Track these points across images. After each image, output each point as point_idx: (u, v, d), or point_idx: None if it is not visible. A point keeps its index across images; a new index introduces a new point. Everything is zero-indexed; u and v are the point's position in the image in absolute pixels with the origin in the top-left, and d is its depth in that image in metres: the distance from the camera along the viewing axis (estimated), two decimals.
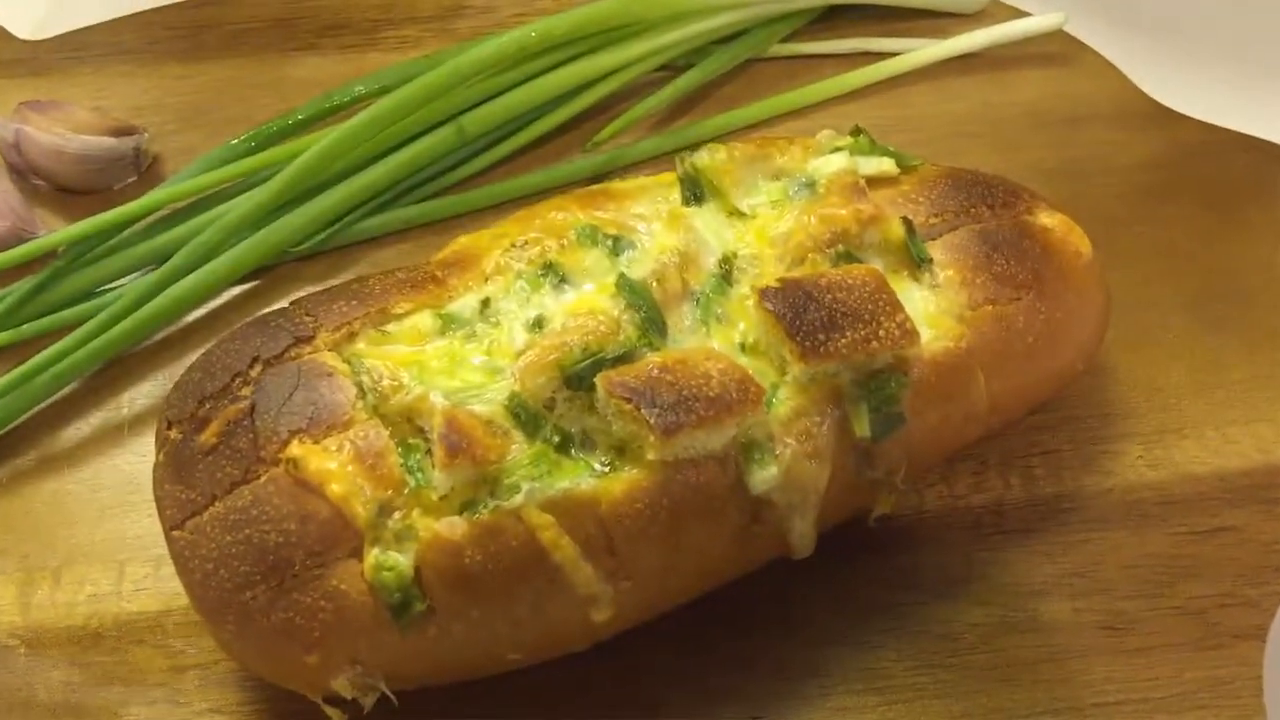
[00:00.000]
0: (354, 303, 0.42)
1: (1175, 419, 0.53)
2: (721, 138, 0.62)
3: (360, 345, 0.41)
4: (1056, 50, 0.69)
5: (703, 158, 0.45)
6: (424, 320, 0.41)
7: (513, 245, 0.43)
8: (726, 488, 0.40)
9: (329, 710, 0.40)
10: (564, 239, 0.43)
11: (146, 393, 0.54)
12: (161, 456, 0.41)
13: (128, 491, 0.51)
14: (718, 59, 0.64)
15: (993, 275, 0.44)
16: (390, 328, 0.41)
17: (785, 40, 0.68)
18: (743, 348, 0.42)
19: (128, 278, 0.56)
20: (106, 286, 0.56)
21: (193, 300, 0.54)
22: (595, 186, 0.47)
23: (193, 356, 0.54)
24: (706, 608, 0.45)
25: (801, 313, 0.40)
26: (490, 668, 0.41)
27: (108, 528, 0.50)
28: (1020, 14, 0.69)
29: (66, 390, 0.53)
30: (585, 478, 0.38)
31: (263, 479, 0.38)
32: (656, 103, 0.62)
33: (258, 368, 0.40)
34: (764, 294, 0.41)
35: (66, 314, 0.54)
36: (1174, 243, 0.60)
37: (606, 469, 0.39)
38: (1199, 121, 0.65)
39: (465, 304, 0.42)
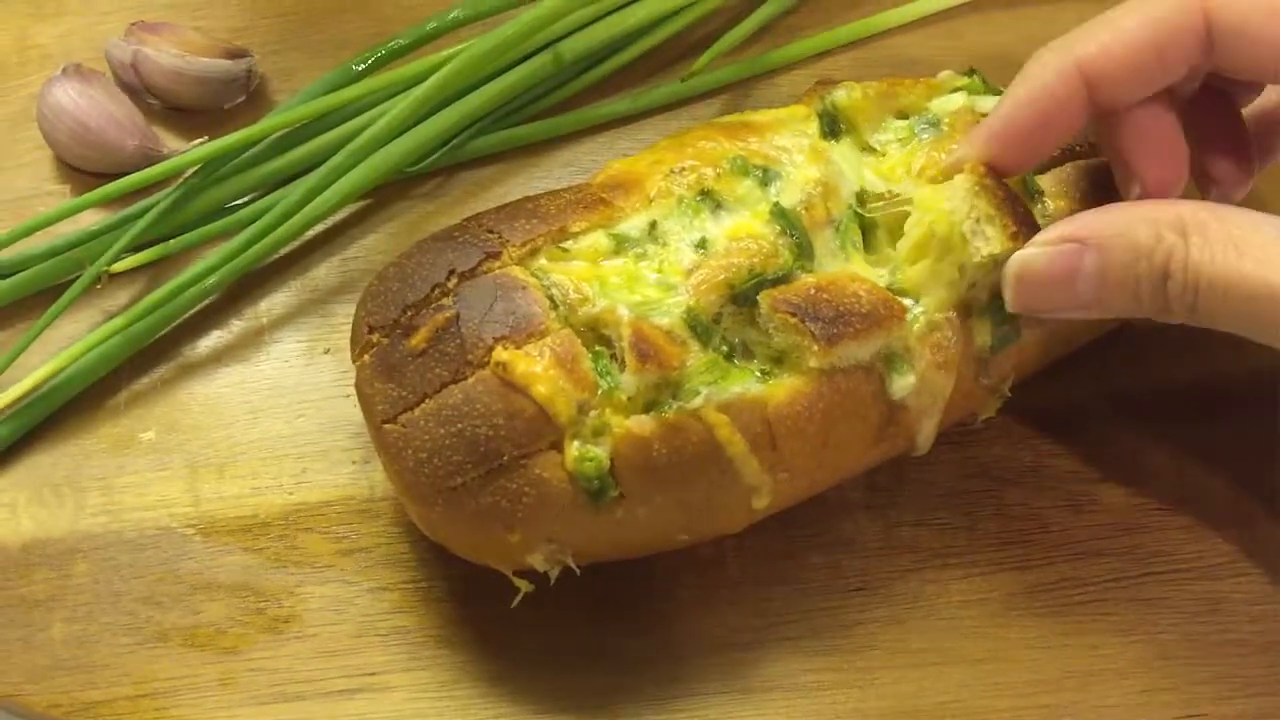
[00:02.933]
0: (535, 221, 0.46)
1: None
2: (788, 67, 0.67)
3: (542, 261, 0.45)
4: None
5: (841, 96, 0.50)
6: (599, 239, 0.46)
7: (672, 171, 0.47)
8: (870, 393, 0.45)
9: (518, 582, 0.46)
10: (718, 168, 0.47)
11: (281, 302, 0.58)
12: (367, 358, 0.46)
13: (276, 394, 0.55)
14: None
15: (1094, 206, 0.49)
16: (568, 245, 0.46)
17: None
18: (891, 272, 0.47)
19: (249, 195, 0.60)
20: (233, 203, 0.60)
21: (323, 215, 0.58)
22: (733, 117, 0.52)
23: (317, 268, 0.60)
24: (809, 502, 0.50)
25: None
26: (661, 546, 0.46)
27: (262, 427, 0.54)
28: None
29: (206, 301, 0.57)
30: (752, 383, 0.44)
31: (471, 380, 0.43)
32: (742, 32, 0.66)
33: (454, 280, 0.45)
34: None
35: (203, 230, 0.58)
36: None
37: (767, 376, 0.44)
38: None
39: (634, 225, 0.46)
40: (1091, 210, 0.45)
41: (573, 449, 0.43)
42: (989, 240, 0.45)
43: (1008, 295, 0.45)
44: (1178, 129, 0.47)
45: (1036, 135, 0.46)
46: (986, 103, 0.51)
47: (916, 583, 0.51)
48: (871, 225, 0.48)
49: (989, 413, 0.51)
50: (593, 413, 0.43)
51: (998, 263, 0.46)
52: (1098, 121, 0.47)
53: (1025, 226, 0.45)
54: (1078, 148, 0.51)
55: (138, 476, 0.53)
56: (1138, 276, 0.42)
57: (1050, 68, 0.45)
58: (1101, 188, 0.50)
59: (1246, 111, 0.51)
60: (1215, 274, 0.41)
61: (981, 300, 0.47)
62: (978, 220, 0.45)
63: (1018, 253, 0.45)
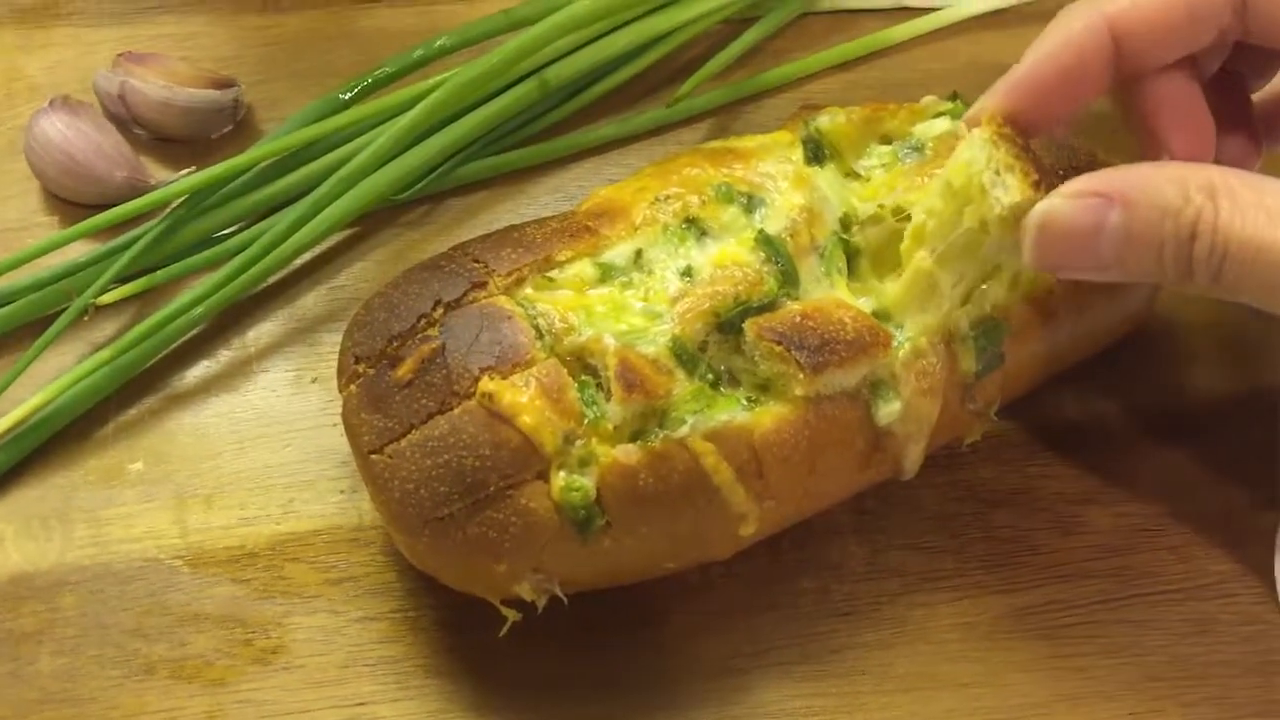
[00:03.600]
0: (520, 250, 0.46)
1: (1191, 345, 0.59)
2: (774, 90, 0.68)
3: (528, 290, 0.45)
4: None
5: (824, 121, 0.50)
6: (585, 268, 0.46)
7: (657, 199, 0.47)
8: (856, 420, 0.46)
9: (506, 611, 0.46)
10: (703, 195, 0.47)
11: (268, 332, 0.58)
12: (354, 389, 0.46)
13: (264, 424, 0.55)
14: (778, 13, 0.69)
15: None
16: (554, 274, 0.46)
17: None
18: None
19: (236, 225, 0.60)
20: (221, 233, 0.60)
21: (310, 244, 0.58)
22: (718, 143, 0.52)
23: (304, 297, 0.60)
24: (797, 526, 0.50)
25: None
26: (647, 574, 0.47)
27: (250, 457, 0.54)
28: None
29: (194, 331, 0.57)
30: (738, 411, 0.44)
31: (457, 410, 0.43)
32: (727, 57, 0.66)
33: (440, 310, 0.45)
34: None
35: (190, 261, 0.58)
36: None
37: (753, 404, 0.45)
38: None
39: (619, 253, 0.46)
40: (1117, 167, 0.43)
41: (559, 479, 0.43)
42: (1009, 189, 0.42)
43: (1026, 249, 0.43)
44: (1203, 101, 0.46)
45: (1059, 90, 0.44)
46: None
47: (904, 607, 0.51)
48: (856, 252, 0.48)
49: (974, 437, 0.51)
50: (579, 442, 0.43)
51: (1018, 216, 0.43)
52: (1123, 91, 0.46)
53: (1046, 177, 0.43)
54: (1059, 172, 0.51)
55: (125, 508, 0.53)
56: (1163, 237, 0.41)
57: (1078, 21, 0.43)
58: None
59: (1257, 96, 0.51)
60: (1245, 238, 0.39)
61: (965, 327, 0.47)
62: (997, 170, 0.43)
63: (1040, 203, 0.42)
